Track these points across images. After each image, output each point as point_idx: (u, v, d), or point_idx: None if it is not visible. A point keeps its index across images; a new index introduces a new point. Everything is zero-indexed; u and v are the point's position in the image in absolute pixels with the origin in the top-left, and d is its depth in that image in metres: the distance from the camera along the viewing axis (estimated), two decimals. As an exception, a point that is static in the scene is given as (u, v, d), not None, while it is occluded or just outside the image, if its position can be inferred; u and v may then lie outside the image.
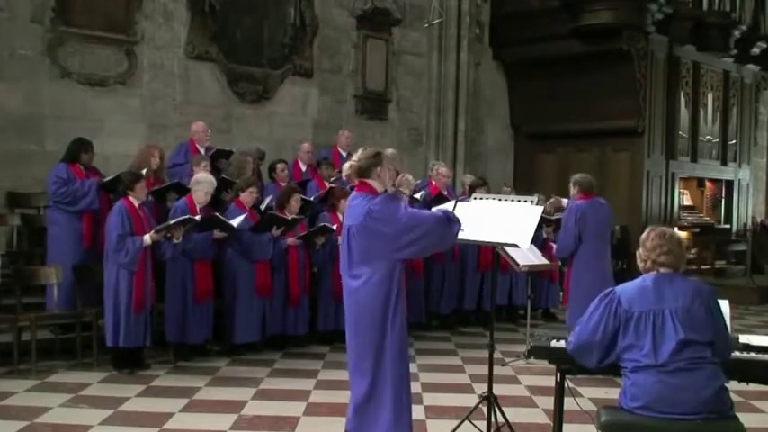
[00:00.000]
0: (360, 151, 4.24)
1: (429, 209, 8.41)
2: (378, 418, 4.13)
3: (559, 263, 8.18)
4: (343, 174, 4.31)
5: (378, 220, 4.04)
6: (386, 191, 4.25)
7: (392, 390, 4.13)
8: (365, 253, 4.09)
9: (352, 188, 8.24)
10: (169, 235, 6.72)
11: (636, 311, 3.47)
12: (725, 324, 3.58)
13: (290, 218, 7.49)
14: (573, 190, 7.27)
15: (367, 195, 4.14)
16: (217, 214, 7.11)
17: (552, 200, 7.79)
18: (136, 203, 6.68)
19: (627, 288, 3.58)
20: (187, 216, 6.77)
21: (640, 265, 3.64)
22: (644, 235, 3.67)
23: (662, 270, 3.56)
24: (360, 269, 4.12)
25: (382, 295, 4.08)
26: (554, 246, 7.59)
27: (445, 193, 8.96)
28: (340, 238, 7.53)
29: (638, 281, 3.61)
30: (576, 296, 7.07)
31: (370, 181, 4.18)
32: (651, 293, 3.50)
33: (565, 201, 7.50)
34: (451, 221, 4.17)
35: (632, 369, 3.46)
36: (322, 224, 7.71)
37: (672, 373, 3.36)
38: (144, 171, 7.15)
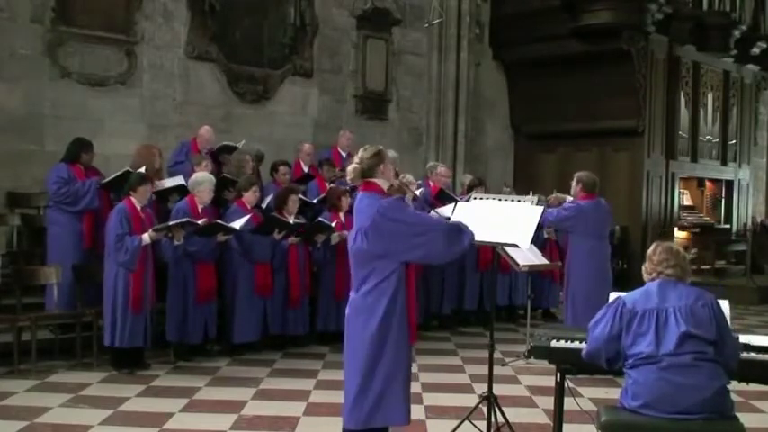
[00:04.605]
0: (360, 152, 4.25)
1: (432, 207, 8.46)
2: (374, 409, 4.14)
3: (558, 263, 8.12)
4: (348, 177, 4.32)
5: (387, 218, 4.06)
6: (391, 186, 4.28)
7: (390, 384, 4.13)
8: (374, 253, 4.09)
9: (353, 189, 8.29)
10: (170, 235, 6.72)
11: (640, 310, 3.55)
12: (729, 329, 3.60)
13: (291, 221, 7.50)
14: (576, 187, 7.22)
15: (375, 195, 4.16)
16: (218, 221, 7.12)
17: (553, 196, 7.70)
18: (138, 205, 6.68)
19: (632, 293, 3.67)
20: (187, 219, 6.78)
21: (646, 278, 3.72)
22: (650, 250, 3.75)
23: (667, 278, 3.63)
24: (367, 269, 4.13)
25: (386, 295, 4.09)
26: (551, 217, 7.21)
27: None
28: (343, 233, 7.62)
29: (643, 287, 3.69)
30: (574, 296, 7.08)
31: (375, 180, 4.21)
32: (655, 295, 3.58)
33: (569, 198, 7.44)
34: (462, 232, 4.18)
35: (633, 364, 3.49)
36: (318, 220, 7.71)
37: (673, 371, 3.38)
38: (143, 170, 7.15)
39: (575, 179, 7.27)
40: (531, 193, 7.67)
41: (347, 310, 4.24)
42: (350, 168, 4.27)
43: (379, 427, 4.20)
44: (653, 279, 3.67)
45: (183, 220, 6.76)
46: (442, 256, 4.29)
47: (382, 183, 4.22)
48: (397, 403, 4.16)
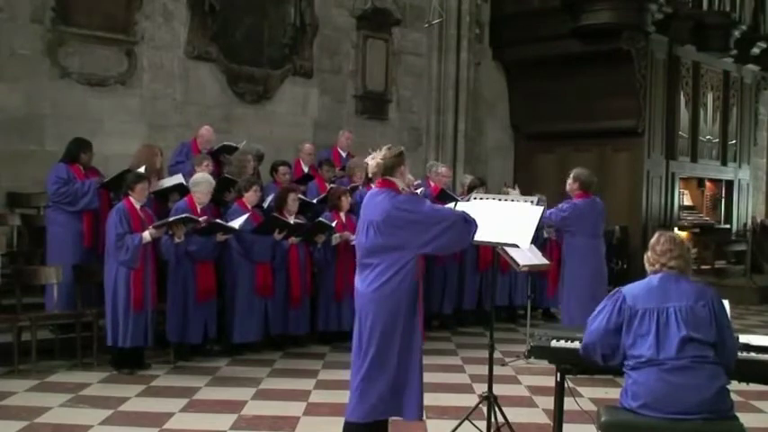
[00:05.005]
0: (383, 150, 4.32)
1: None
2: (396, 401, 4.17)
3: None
4: (369, 171, 4.40)
5: (405, 210, 4.15)
6: (403, 188, 4.35)
7: (407, 377, 4.18)
8: (390, 245, 4.14)
9: (353, 188, 8.30)
10: (171, 232, 6.72)
11: (640, 308, 3.51)
12: (730, 328, 3.58)
13: (292, 221, 7.49)
14: (572, 184, 7.18)
15: (390, 192, 4.22)
16: (218, 221, 7.11)
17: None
18: (137, 205, 6.68)
19: (633, 287, 3.63)
20: (187, 215, 6.78)
21: (648, 268, 3.69)
22: (653, 239, 3.71)
23: (669, 272, 3.59)
24: (379, 260, 4.15)
25: (401, 289, 4.13)
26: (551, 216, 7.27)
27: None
28: (344, 233, 7.62)
29: (644, 281, 3.65)
30: (570, 294, 7.08)
31: (393, 179, 4.28)
32: (656, 292, 3.54)
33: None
34: (468, 221, 4.27)
35: (634, 366, 3.48)
36: (319, 219, 7.70)
37: (673, 372, 3.37)
38: (142, 170, 7.15)
39: (572, 176, 7.21)
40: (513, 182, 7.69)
41: (358, 303, 4.25)
42: (372, 163, 4.32)
43: (383, 419, 4.22)
44: (655, 271, 3.63)
45: (183, 215, 6.76)
46: (457, 245, 4.42)
47: (399, 182, 4.30)
48: (413, 397, 4.20)
